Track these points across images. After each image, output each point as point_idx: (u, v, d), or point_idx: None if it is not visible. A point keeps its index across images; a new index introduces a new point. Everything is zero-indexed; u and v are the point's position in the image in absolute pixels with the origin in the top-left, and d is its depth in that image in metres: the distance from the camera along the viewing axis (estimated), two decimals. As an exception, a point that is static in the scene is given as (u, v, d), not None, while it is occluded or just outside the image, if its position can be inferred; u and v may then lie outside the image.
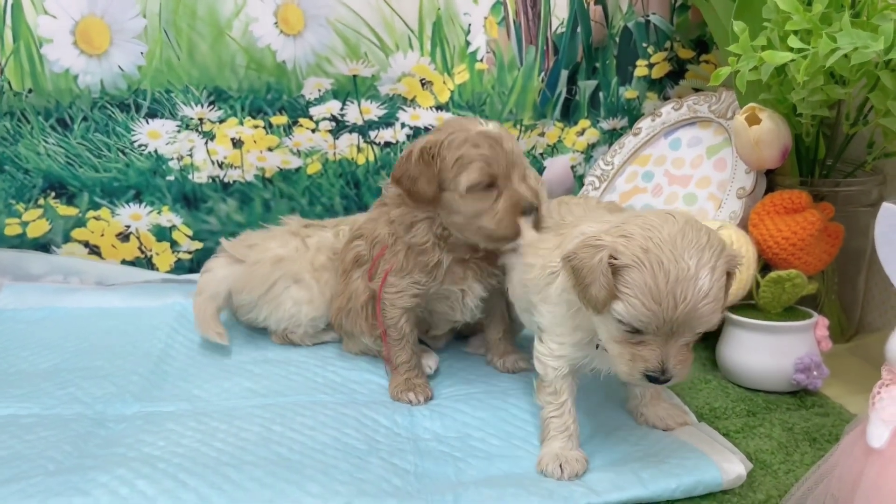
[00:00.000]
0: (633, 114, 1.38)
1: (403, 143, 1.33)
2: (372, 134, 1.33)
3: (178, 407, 0.97)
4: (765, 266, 1.07)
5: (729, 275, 0.73)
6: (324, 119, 1.31)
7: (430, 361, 1.08)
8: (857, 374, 1.07)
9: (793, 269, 1.04)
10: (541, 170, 1.37)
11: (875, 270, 1.20)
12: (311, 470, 0.81)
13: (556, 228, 0.87)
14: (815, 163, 1.13)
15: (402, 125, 1.32)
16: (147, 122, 1.28)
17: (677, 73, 1.37)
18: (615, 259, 0.70)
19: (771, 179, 1.17)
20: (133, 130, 1.28)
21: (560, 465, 0.81)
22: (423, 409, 0.97)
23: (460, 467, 0.84)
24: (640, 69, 1.36)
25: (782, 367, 1.00)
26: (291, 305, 1.12)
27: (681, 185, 1.25)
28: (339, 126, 1.31)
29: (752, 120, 1.06)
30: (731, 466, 0.81)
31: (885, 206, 0.74)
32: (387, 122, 1.32)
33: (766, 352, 1.01)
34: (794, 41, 0.91)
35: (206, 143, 1.30)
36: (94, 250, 1.33)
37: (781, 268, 1.05)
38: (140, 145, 1.29)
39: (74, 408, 0.95)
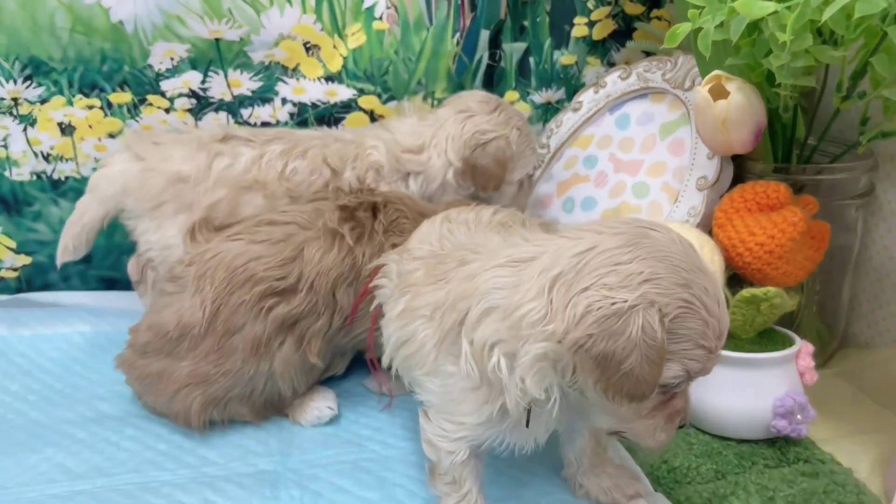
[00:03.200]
0: (570, 83, 1.13)
1: (285, 122, 1.07)
2: (244, 112, 1.06)
3: (-48, 502, 0.71)
4: (733, 276, 0.85)
5: None
6: (180, 95, 1.04)
7: (329, 401, 0.86)
8: (847, 405, 0.89)
9: (769, 281, 0.84)
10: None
11: (862, 273, 0.99)
12: None
13: (434, 266, 0.63)
14: (793, 145, 0.91)
15: (284, 101, 1.06)
16: (-58, 105, 1.00)
17: (624, 32, 1.13)
18: (665, 314, 0.52)
19: (739, 166, 0.95)
20: (-76, 116, 1.00)
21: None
22: (293, 487, 0.74)
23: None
24: (579, 28, 1.11)
25: (759, 410, 0.80)
26: (173, 234, 0.94)
27: (629, 172, 1.02)
28: (202, 103, 1.05)
29: (718, 92, 0.83)
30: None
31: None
32: (263, 96, 1.06)
33: (737, 391, 0.81)
34: (777, -15, 0.67)
35: (25, 129, 1.03)
36: None
37: (755, 280, 0.85)
38: (-65, 135, 1.01)
39: None
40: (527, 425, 0.59)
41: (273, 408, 0.85)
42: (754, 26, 0.77)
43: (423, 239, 0.70)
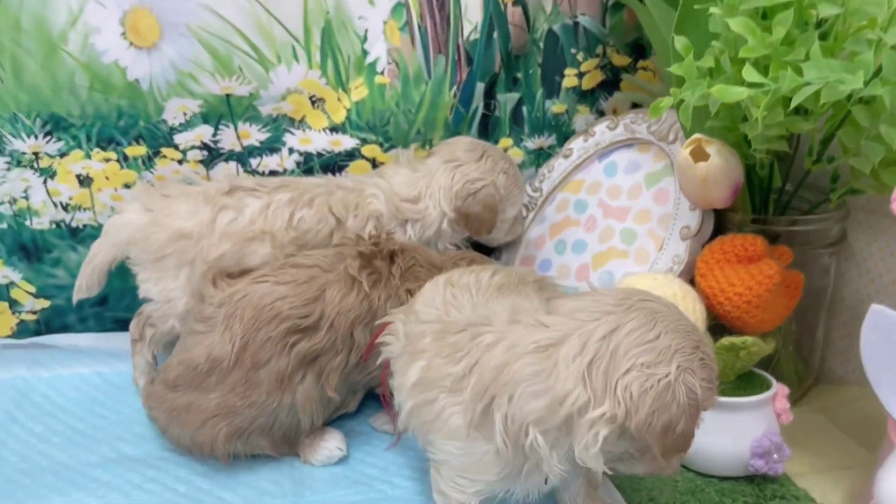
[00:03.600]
0: (561, 130, 1.19)
1: (292, 171, 1.12)
2: (254, 162, 1.11)
3: (-11, 548, 0.76)
4: (714, 324, 0.91)
5: None
6: (193, 147, 1.08)
7: (339, 442, 0.91)
8: (823, 440, 0.94)
9: (747, 328, 0.90)
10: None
11: (836, 312, 1.05)
12: None
13: (442, 334, 0.68)
14: (770, 194, 0.97)
15: (291, 151, 1.11)
16: (-34, 160, 1.04)
17: (611, 82, 1.18)
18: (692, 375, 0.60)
19: (720, 216, 1.00)
20: (-50, 170, 1.04)
21: None
22: (308, 530, 0.79)
23: None
24: (569, 79, 1.17)
25: (738, 450, 0.86)
26: (174, 288, 0.97)
27: (617, 218, 1.08)
28: (213, 154, 1.09)
29: (698, 154, 0.89)
30: None
31: (875, 309, 0.59)
32: (271, 147, 1.11)
33: (718, 432, 0.85)
34: (750, 73, 0.73)
35: (45, 181, 1.06)
36: (-85, 314, 1.09)
37: (734, 327, 0.90)
38: (-40, 188, 1.05)
39: None
40: (545, 482, 0.65)
41: (289, 442, 0.89)
42: (732, 96, 0.83)
43: (427, 302, 0.74)
